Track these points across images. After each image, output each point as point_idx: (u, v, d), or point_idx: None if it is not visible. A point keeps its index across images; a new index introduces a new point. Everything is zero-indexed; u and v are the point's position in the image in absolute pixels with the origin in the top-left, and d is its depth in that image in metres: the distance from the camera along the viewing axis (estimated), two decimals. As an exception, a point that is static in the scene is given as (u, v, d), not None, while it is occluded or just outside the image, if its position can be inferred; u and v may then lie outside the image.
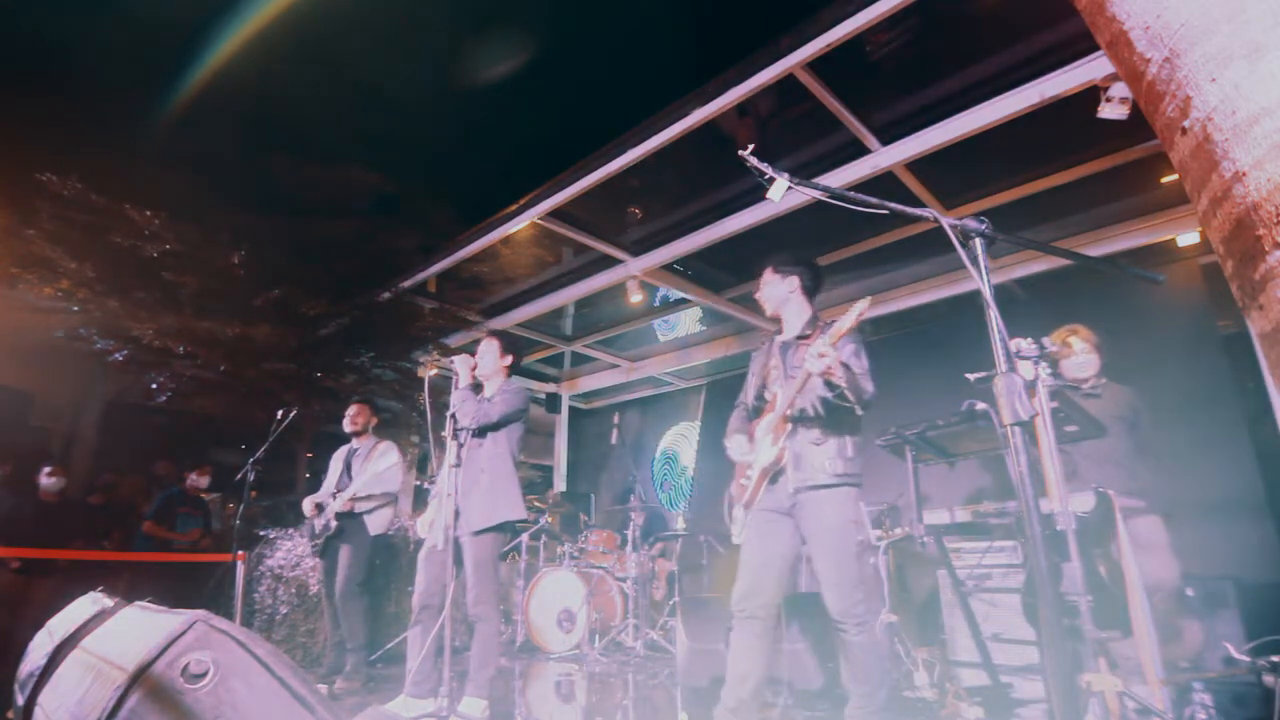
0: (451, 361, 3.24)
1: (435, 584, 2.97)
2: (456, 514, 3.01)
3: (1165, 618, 2.98)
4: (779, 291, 2.61)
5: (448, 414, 3.01)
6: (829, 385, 2.25)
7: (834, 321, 2.22)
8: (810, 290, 2.63)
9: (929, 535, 3.20)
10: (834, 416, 2.36)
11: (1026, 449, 1.23)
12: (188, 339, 5.66)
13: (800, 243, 5.32)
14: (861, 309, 2.14)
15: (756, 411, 2.63)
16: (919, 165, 4.06)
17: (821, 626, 3.37)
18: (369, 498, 4.06)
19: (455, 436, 2.99)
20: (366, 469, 4.09)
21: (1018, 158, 4.26)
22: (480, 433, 3.13)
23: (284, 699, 1.36)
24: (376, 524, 4.12)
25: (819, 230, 5.12)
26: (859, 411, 2.31)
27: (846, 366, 2.25)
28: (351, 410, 4.34)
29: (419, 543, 4.00)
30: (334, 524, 3.98)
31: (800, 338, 2.52)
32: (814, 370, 2.17)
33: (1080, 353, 3.19)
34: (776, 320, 2.69)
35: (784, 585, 2.41)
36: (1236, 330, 4.60)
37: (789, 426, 2.40)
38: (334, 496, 4.05)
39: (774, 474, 2.42)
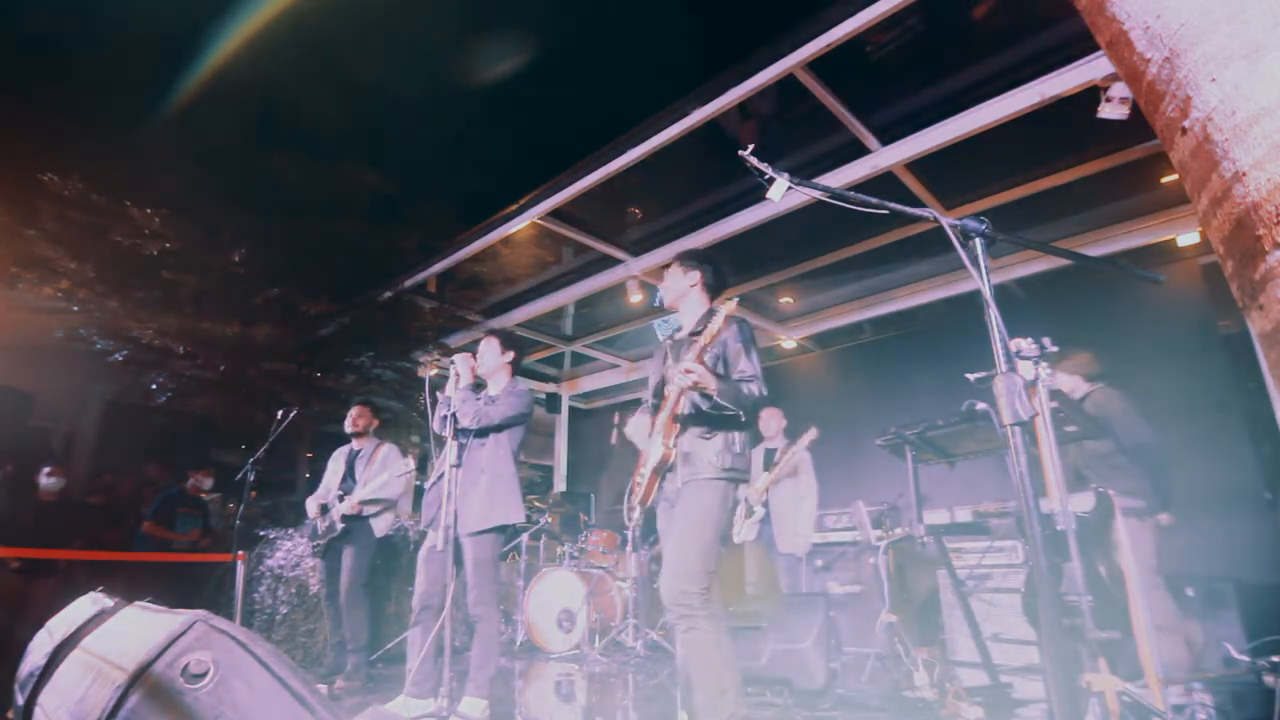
0: (452, 361, 3.21)
1: (435, 584, 2.96)
2: (456, 514, 3.01)
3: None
4: (679, 285, 2.65)
5: (442, 413, 2.99)
6: (704, 397, 2.27)
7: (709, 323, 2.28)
8: (711, 288, 2.65)
9: (929, 535, 3.20)
10: (719, 414, 2.37)
11: (1026, 449, 1.23)
12: (188, 339, 5.66)
13: (800, 242, 5.33)
14: (727, 309, 2.17)
15: (655, 409, 2.63)
16: (919, 165, 4.06)
17: (823, 626, 3.38)
18: (375, 501, 4.06)
19: (455, 436, 2.99)
20: (372, 472, 4.10)
21: (1018, 158, 4.26)
22: (482, 433, 3.12)
23: (284, 699, 1.36)
24: (380, 526, 4.13)
25: (819, 230, 5.12)
26: (742, 418, 2.30)
27: (723, 376, 2.26)
28: (353, 412, 4.34)
29: (419, 543, 3.99)
30: (340, 526, 3.99)
31: (693, 334, 2.54)
32: (682, 385, 2.20)
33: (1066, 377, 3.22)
34: (673, 312, 2.75)
35: None
36: (1236, 330, 4.60)
37: (678, 426, 2.42)
38: (339, 499, 4.05)
39: (664, 471, 2.43)
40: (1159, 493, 3.32)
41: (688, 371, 2.16)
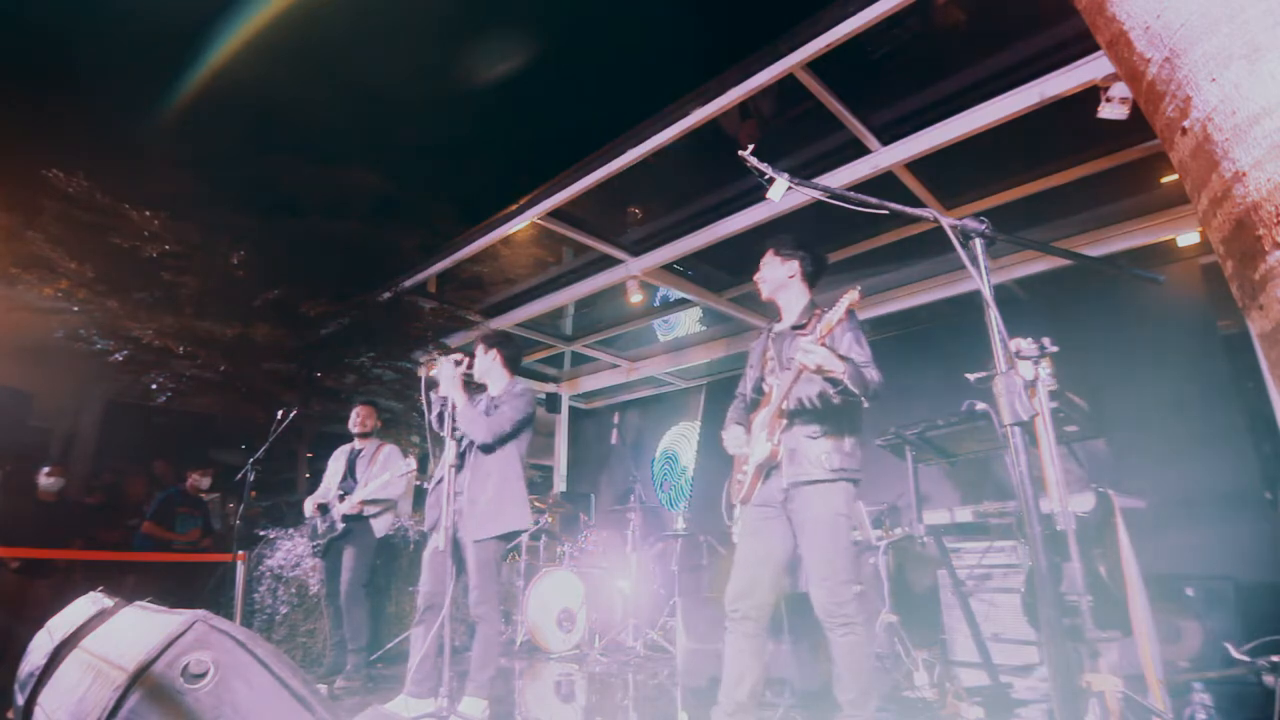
0: (449, 358, 3.19)
1: (441, 584, 2.96)
2: (457, 515, 3.01)
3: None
4: (778, 274, 2.52)
5: (437, 410, 2.99)
6: (831, 381, 2.15)
7: (827, 312, 2.15)
8: (811, 277, 2.53)
9: (929, 535, 3.20)
10: (832, 410, 2.28)
11: (1026, 449, 1.23)
12: (188, 339, 5.65)
13: (794, 235, 5.33)
14: (851, 299, 2.06)
15: (754, 404, 2.57)
16: (919, 165, 4.06)
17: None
18: (376, 502, 4.07)
19: (454, 435, 2.99)
20: (373, 472, 4.10)
21: (1018, 158, 4.26)
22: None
23: (284, 699, 1.36)
24: (381, 526, 4.13)
25: (819, 230, 5.11)
26: (865, 404, 2.20)
27: (848, 359, 2.17)
28: (360, 412, 4.35)
29: (419, 543, 3.99)
30: (340, 526, 3.99)
31: (796, 328, 2.45)
32: (807, 364, 2.09)
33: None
34: (774, 309, 2.62)
35: (779, 585, 2.35)
36: (1236, 330, 4.59)
37: (784, 421, 2.33)
38: (339, 498, 4.05)
39: (769, 469, 2.36)
40: (1159, 491, 3.30)
41: (810, 351, 2.05)
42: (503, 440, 3.09)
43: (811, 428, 2.30)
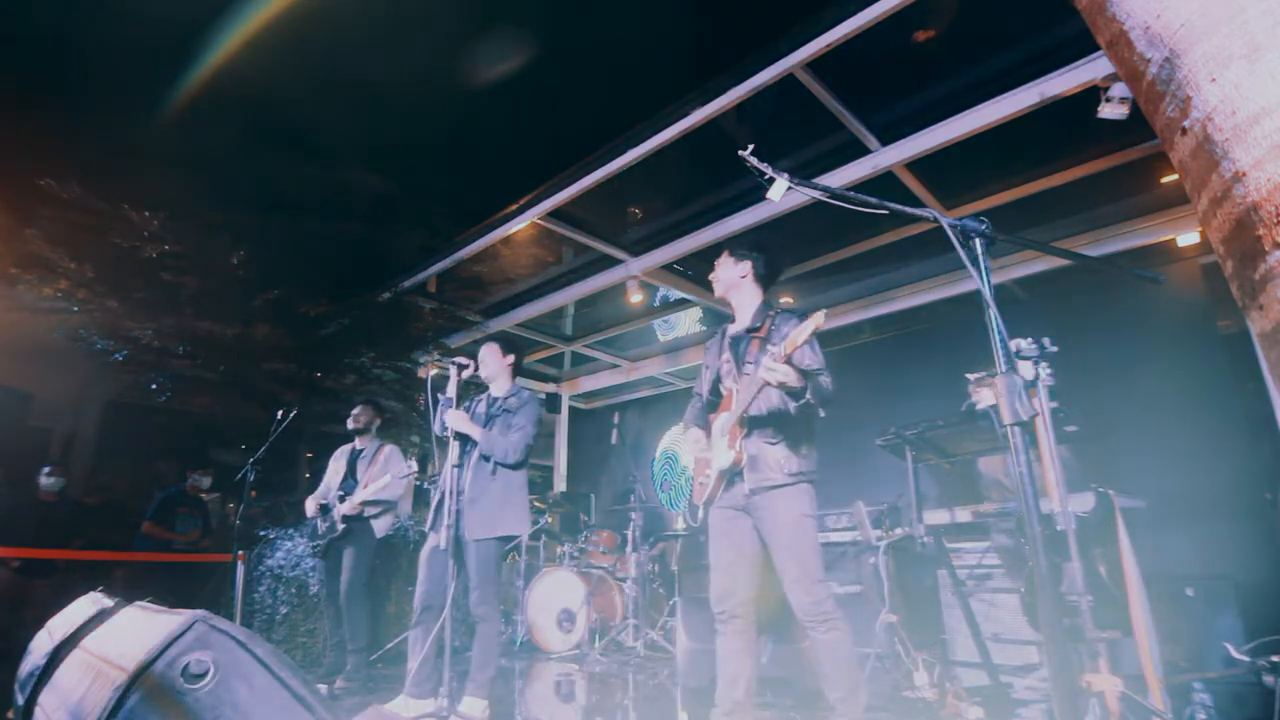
0: (453, 362, 3.20)
1: (438, 585, 2.96)
2: (459, 515, 3.02)
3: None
4: (730, 274, 2.57)
5: (438, 415, 3.01)
6: (791, 395, 2.22)
7: (786, 315, 2.25)
8: (763, 278, 2.58)
9: (929, 535, 3.20)
10: (789, 417, 2.33)
11: (1026, 449, 1.23)
12: (188, 339, 5.65)
13: (800, 242, 5.33)
14: (817, 322, 2.09)
15: (712, 405, 2.61)
16: (919, 165, 4.06)
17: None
18: (376, 503, 4.06)
19: (456, 436, 3.00)
20: (374, 473, 4.10)
21: (1018, 158, 4.26)
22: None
23: (284, 699, 1.36)
24: (381, 527, 4.13)
25: (819, 230, 5.12)
26: (822, 413, 2.28)
27: (805, 371, 2.22)
28: (356, 410, 4.35)
29: (419, 543, 3.98)
30: (340, 526, 3.99)
31: (750, 330, 2.49)
32: (770, 380, 2.15)
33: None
34: (727, 305, 2.67)
35: (756, 581, 2.38)
36: (1236, 330, 4.59)
37: (744, 430, 2.38)
38: (339, 498, 4.05)
39: (731, 475, 2.40)
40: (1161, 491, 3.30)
41: (771, 370, 2.11)
42: (525, 456, 3.14)
43: (769, 433, 2.35)
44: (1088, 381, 4.65)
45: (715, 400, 2.60)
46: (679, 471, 8.29)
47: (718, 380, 2.57)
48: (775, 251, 2.61)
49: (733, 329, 2.60)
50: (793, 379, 2.14)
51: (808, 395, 2.18)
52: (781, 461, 2.30)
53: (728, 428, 2.40)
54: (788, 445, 2.32)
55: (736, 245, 2.61)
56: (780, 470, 2.29)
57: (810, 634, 2.24)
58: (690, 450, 2.58)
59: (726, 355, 2.54)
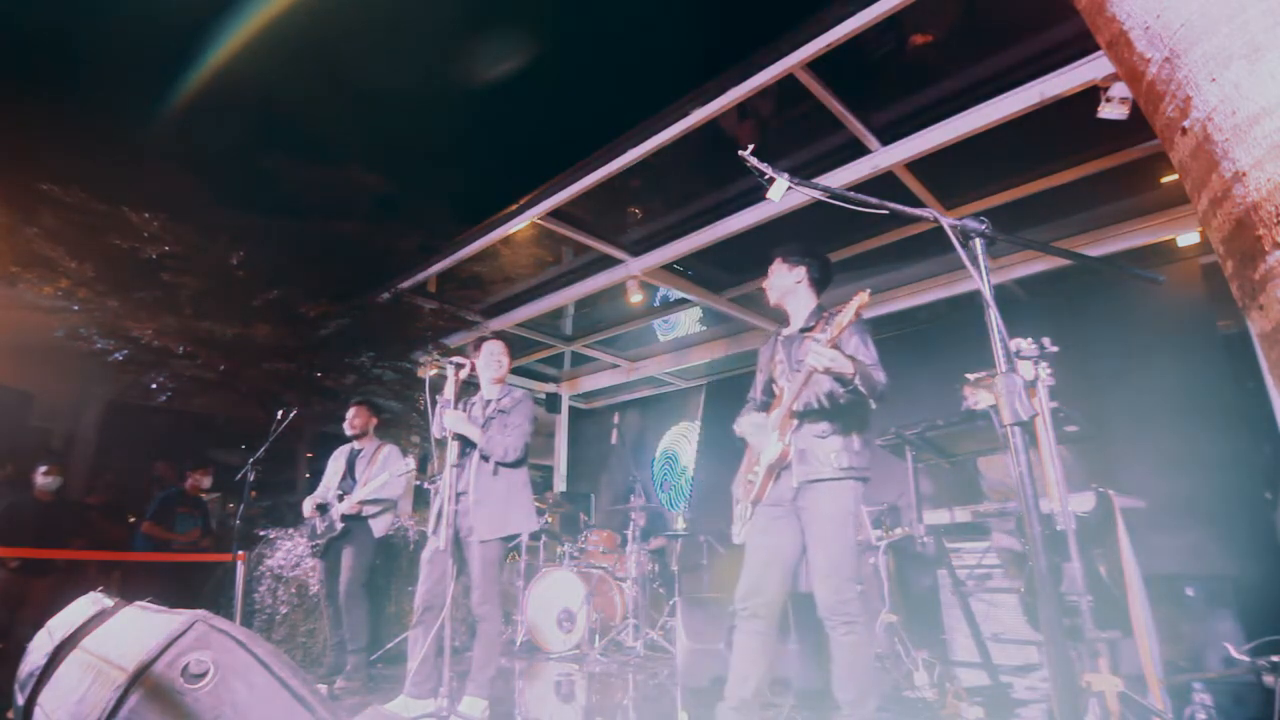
0: (452, 362, 3.21)
1: (439, 585, 2.96)
2: (463, 516, 3.02)
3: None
4: (785, 281, 2.59)
5: (438, 415, 3.01)
6: (840, 381, 2.20)
7: (837, 313, 2.19)
8: (817, 282, 2.60)
9: (929, 535, 3.20)
10: (840, 410, 2.33)
11: (1026, 449, 1.23)
12: (188, 339, 5.65)
13: (800, 243, 5.32)
14: (860, 301, 2.10)
15: (765, 406, 2.62)
16: (919, 165, 4.05)
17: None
18: (375, 502, 4.06)
19: (456, 436, 3.00)
20: (373, 472, 4.09)
21: (1018, 158, 4.26)
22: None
23: (284, 699, 1.36)
24: (380, 526, 4.12)
25: (819, 230, 5.11)
26: (873, 404, 2.26)
27: (854, 359, 2.21)
28: (350, 412, 4.34)
29: (419, 543, 3.98)
30: (339, 526, 3.99)
31: (804, 330, 2.50)
32: (816, 366, 2.14)
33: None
34: (781, 313, 2.68)
35: (788, 584, 2.37)
36: (1236, 330, 4.59)
37: (795, 422, 2.37)
38: (339, 498, 4.05)
39: (780, 469, 2.39)
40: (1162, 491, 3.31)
41: (820, 353, 2.10)
42: (525, 453, 3.15)
43: (820, 427, 2.35)
44: (1088, 381, 4.65)
45: (767, 401, 2.60)
46: (679, 471, 8.29)
47: (770, 381, 2.59)
48: (825, 254, 2.64)
49: (786, 331, 2.62)
50: (840, 363, 2.13)
51: (856, 382, 2.16)
52: (832, 456, 2.29)
53: (778, 421, 2.40)
54: (840, 439, 2.32)
55: (788, 253, 2.62)
56: (830, 464, 2.28)
57: (829, 632, 2.24)
58: (743, 430, 2.56)
59: (780, 356, 2.55)
